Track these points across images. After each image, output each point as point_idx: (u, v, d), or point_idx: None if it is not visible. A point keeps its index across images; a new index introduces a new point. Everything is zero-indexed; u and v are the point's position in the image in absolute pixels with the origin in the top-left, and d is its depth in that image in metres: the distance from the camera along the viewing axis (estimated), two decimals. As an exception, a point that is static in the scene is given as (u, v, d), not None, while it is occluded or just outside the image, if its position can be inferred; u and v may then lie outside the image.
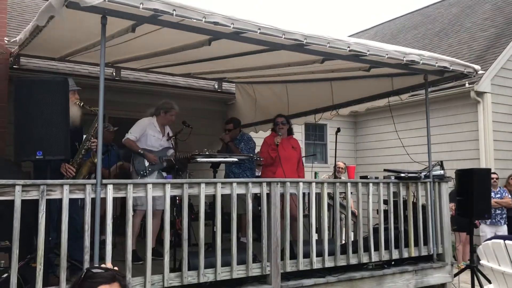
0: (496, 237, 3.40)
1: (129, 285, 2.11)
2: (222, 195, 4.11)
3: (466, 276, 6.10)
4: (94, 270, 1.97)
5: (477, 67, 5.26)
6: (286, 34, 3.89)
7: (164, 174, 5.43)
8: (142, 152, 5.33)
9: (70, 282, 2.31)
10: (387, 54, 4.50)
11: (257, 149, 7.66)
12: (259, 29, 3.73)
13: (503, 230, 7.76)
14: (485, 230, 7.67)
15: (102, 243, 3.62)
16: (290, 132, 6.15)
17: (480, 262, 3.60)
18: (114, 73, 7.27)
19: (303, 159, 6.77)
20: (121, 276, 2.02)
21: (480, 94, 8.88)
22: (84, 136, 4.57)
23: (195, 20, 3.52)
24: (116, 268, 2.05)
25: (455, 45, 11.09)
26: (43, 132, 3.55)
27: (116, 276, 1.98)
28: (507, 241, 3.18)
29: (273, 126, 6.08)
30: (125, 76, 7.61)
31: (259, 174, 7.84)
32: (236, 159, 5.22)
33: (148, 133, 5.45)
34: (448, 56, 5.26)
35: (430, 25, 13.89)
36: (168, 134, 5.63)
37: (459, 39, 11.41)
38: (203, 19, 3.50)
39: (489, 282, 4.18)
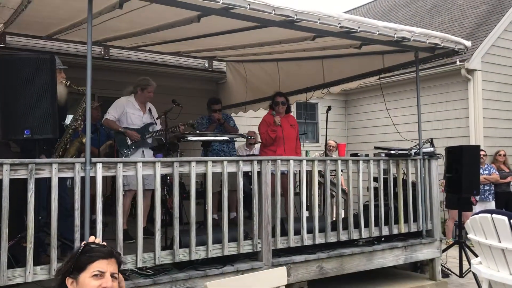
0: (484, 211, 3.45)
1: (122, 264, 2.13)
2: (214, 174, 4.11)
3: (454, 251, 6.22)
4: (92, 245, 1.99)
5: (468, 43, 5.25)
6: (276, 10, 3.83)
7: (152, 152, 5.40)
8: (122, 130, 5.30)
9: (62, 260, 2.32)
10: (378, 31, 4.47)
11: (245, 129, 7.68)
12: (249, 4, 3.67)
13: (492, 205, 7.90)
14: (474, 206, 7.78)
15: (93, 222, 3.61)
16: (288, 109, 6.13)
17: (468, 236, 3.65)
18: (102, 52, 7.19)
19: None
20: (117, 253, 2.04)
21: (470, 71, 8.91)
22: (72, 116, 4.52)
23: (183, -4, 3.46)
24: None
25: (446, 23, 11.06)
26: (30, 110, 3.49)
27: (113, 252, 2.00)
28: (494, 215, 3.23)
29: (272, 105, 6.01)
30: (114, 55, 7.52)
31: (250, 153, 7.86)
32: (227, 138, 5.20)
33: (128, 112, 5.39)
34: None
35: (422, 2, 13.81)
36: (149, 110, 5.58)
37: (451, 16, 11.37)
38: (192, -6, 3.44)
39: (476, 256, 4.25)
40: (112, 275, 1.95)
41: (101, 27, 4.80)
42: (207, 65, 8.51)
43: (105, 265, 1.94)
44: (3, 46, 6.25)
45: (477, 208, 7.70)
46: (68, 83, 4.35)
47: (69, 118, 4.84)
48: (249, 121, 9.03)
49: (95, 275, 1.91)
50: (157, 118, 5.54)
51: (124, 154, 5.25)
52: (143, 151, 5.39)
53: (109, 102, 6.63)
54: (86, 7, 3.55)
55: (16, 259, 3.43)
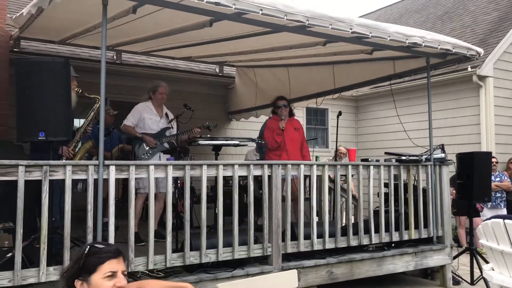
0: (496, 216, 3.42)
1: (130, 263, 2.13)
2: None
3: (465, 258, 6.16)
4: (99, 246, 1.99)
5: (480, 49, 5.24)
6: (288, 15, 3.86)
7: (168, 156, 5.45)
8: (140, 135, 5.37)
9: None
10: (389, 36, 4.47)
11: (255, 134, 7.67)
12: (261, 10, 3.70)
13: (503, 213, 7.80)
14: (485, 213, 7.70)
15: (105, 225, 3.65)
16: (290, 113, 6.12)
17: (479, 241, 3.63)
18: (115, 57, 7.26)
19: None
20: (121, 250, 2.05)
21: (482, 78, 8.85)
22: (85, 120, 4.58)
23: (196, 1, 3.50)
24: None
25: (458, 29, 11.02)
26: (45, 113, 3.55)
27: (120, 250, 2.00)
28: (506, 220, 3.21)
29: (274, 108, 6.02)
30: (126, 60, 7.59)
31: (258, 158, 7.87)
32: (237, 142, 5.22)
33: (145, 117, 5.47)
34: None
35: (433, 8, 13.78)
36: (166, 114, 5.64)
37: (462, 23, 11.33)
38: (205, 0, 3.48)
39: (488, 263, 4.21)
40: (122, 273, 1.96)
41: (114, 32, 4.86)
42: (217, 70, 8.56)
43: (116, 265, 1.95)
44: (17, 51, 6.34)
45: (488, 215, 7.63)
46: (80, 91, 4.41)
47: (79, 122, 4.90)
48: (259, 126, 9.03)
49: (109, 276, 1.92)
50: (170, 121, 5.59)
51: (142, 159, 5.32)
52: (159, 155, 5.45)
53: (121, 106, 6.71)
54: (100, 12, 3.61)
55: (29, 260, 3.48)
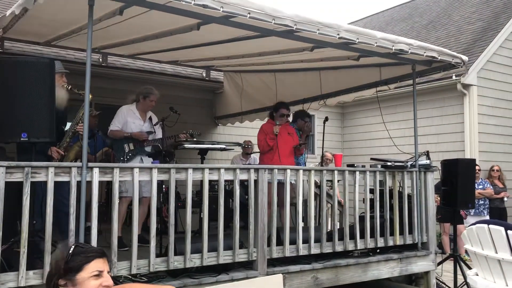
0: (481, 221, 3.45)
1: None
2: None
3: (449, 265, 6.20)
4: (83, 246, 1.98)
5: (464, 57, 5.31)
6: (276, 20, 3.86)
7: (151, 159, 5.39)
8: (128, 134, 5.32)
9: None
10: (376, 42, 4.50)
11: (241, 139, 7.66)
12: (249, 13, 3.69)
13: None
14: (469, 220, 7.76)
15: (87, 229, 3.58)
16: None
17: (464, 246, 3.64)
18: (100, 59, 7.18)
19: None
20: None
21: (466, 86, 8.97)
22: (72, 121, 4.51)
23: (183, 3, 3.47)
24: None
25: (442, 38, 11.17)
26: (28, 114, 3.48)
27: (104, 251, 2.00)
28: (490, 226, 3.23)
29: (275, 114, 5.97)
30: (112, 63, 7.52)
31: (246, 163, 7.85)
32: (223, 146, 5.19)
33: (128, 121, 5.42)
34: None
35: (418, 17, 13.96)
36: (150, 119, 5.58)
37: (447, 32, 11.49)
38: (192, 2, 3.45)
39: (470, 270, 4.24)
40: (108, 273, 1.95)
41: (100, 34, 4.81)
42: (204, 75, 8.52)
43: (102, 264, 1.94)
44: (1, 52, 6.23)
45: (471, 222, 7.68)
46: (70, 87, 4.35)
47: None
48: (245, 131, 9.04)
49: (96, 275, 1.90)
50: (155, 124, 5.54)
51: (121, 161, 5.23)
52: (141, 158, 5.38)
53: (106, 109, 6.63)
54: (86, 14, 3.57)
55: (9, 264, 3.39)
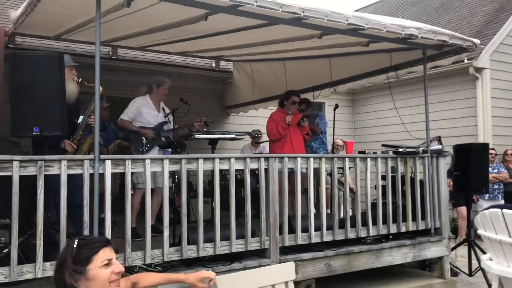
0: (493, 206, 3.42)
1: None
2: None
3: (463, 250, 6.17)
4: (87, 238, 2.00)
5: (476, 40, 5.22)
6: (283, 7, 3.84)
7: (168, 150, 5.45)
8: (136, 129, 5.36)
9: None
10: (385, 28, 4.45)
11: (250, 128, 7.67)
12: (256, 1, 3.67)
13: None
14: (483, 205, 7.71)
15: (102, 220, 3.63)
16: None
17: (477, 231, 3.62)
18: (110, 52, 7.21)
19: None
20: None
21: (479, 70, 8.85)
22: (85, 114, 4.55)
23: (191, -7, 3.47)
24: None
25: (454, 21, 11.00)
26: (39, 108, 3.53)
27: (108, 239, 2.02)
28: (504, 210, 3.20)
29: (286, 102, 5.97)
30: (122, 55, 7.54)
31: (256, 152, 7.87)
32: (234, 135, 5.20)
33: (143, 111, 5.47)
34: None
35: (429, 1, 13.75)
36: (163, 109, 5.63)
37: (459, 14, 11.31)
38: (199, -8, 3.45)
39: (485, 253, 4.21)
40: (116, 259, 1.99)
41: (109, 27, 4.83)
42: (214, 65, 8.52)
43: (109, 252, 1.98)
44: (12, 47, 6.29)
45: (485, 206, 7.62)
46: (80, 80, 4.38)
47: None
48: (256, 120, 9.05)
49: (105, 264, 1.93)
50: (166, 115, 5.57)
51: (140, 152, 5.30)
52: (159, 148, 5.45)
53: (117, 102, 6.68)
54: (93, 6, 3.58)
55: (26, 256, 3.46)
